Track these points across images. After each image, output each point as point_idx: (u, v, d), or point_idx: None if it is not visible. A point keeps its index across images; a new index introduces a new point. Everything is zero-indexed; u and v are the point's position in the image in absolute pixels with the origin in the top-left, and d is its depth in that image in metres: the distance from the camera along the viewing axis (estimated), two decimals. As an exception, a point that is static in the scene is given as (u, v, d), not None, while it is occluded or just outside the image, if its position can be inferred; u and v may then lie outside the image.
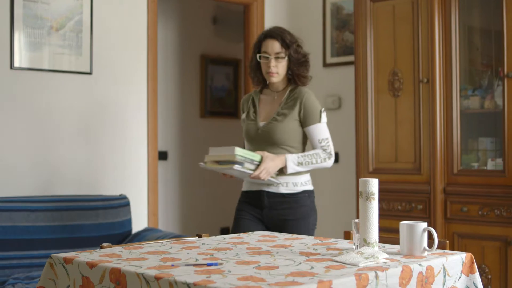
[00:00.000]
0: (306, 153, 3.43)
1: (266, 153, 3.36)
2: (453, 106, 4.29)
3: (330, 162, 3.48)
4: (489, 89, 4.29)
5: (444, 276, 2.19)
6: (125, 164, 4.63)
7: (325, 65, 5.59)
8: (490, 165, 4.22)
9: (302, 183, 3.49)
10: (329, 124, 5.58)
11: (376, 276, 1.95)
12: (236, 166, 3.24)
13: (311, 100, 3.45)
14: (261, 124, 3.48)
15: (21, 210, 3.89)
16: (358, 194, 4.44)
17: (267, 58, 3.43)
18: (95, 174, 4.49)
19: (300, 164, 3.39)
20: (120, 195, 4.36)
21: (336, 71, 5.53)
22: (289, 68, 3.47)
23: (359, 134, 4.68)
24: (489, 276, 4.12)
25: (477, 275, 2.31)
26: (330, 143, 3.48)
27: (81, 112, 4.43)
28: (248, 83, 5.54)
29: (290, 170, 3.38)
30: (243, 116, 3.60)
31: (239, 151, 3.26)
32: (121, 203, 4.27)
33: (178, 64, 6.61)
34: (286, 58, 3.43)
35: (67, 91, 4.37)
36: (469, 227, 4.20)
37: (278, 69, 3.43)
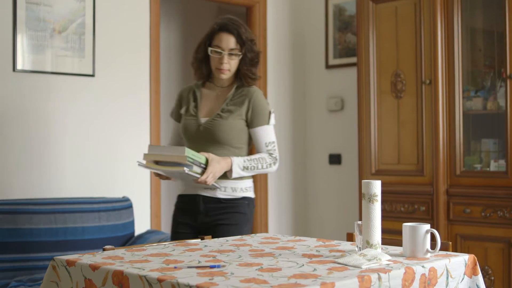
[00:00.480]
0: (252, 157, 3.15)
1: (211, 155, 3.02)
2: (456, 107, 4.29)
3: (275, 167, 3.20)
4: (491, 90, 4.28)
5: (447, 278, 2.19)
6: (128, 166, 4.62)
7: (328, 66, 5.59)
8: (493, 166, 4.21)
9: (242, 189, 3.19)
10: (331, 125, 5.63)
11: (379, 278, 1.95)
12: (186, 169, 2.89)
13: (260, 100, 3.19)
14: (203, 120, 3.16)
15: (24, 213, 3.89)
16: (360, 195, 4.44)
17: (219, 53, 3.13)
18: (97, 176, 4.49)
19: (245, 168, 3.11)
20: (123, 197, 4.36)
21: (338, 73, 5.53)
22: (239, 65, 3.19)
23: (362, 135, 4.68)
24: (492, 278, 4.11)
25: (480, 276, 2.31)
26: (276, 147, 3.21)
27: (84, 114, 4.43)
28: (250, 85, 5.53)
29: (234, 174, 3.10)
30: (182, 110, 3.27)
31: (189, 153, 2.92)
32: (124, 205, 4.27)
33: (180, 65, 6.61)
34: (240, 55, 3.16)
35: (70, 93, 4.37)
36: (472, 228, 4.20)
37: (230, 66, 3.16)
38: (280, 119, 5.63)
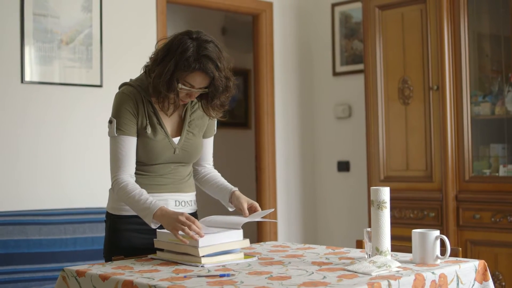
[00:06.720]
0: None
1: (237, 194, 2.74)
2: (464, 112, 4.28)
3: None
4: (499, 95, 4.28)
5: (458, 284, 2.18)
6: (136, 176, 4.63)
7: (335, 74, 5.59)
8: (502, 171, 4.20)
9: (195, 202, 2.89)
10: (339, 132, 5.63)
11: (389, 285, 1.95)
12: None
13: None
14: (175, 141, 2.70)
15: (34, 224, 3.90)
16: (369, 202, 4.44)
17: (189, 90, 2.59)
18: (106, 187, 4.49)
19: None
20: (132, 207, 4.36)
21: (345, 80, 5.53)
22: (206, 102, 2.68)
23: (370, 142, 4.67)
24: (503, 283, 4.10)
25: (490, 282, 2.30)
26: None
27: (92, 125, 4.44)
28: (258, 94, 5.55)
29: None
30: (148, 130, 2.65)
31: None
32: (133, 215, 4.27)
33: (187, 75, 6.62)
34: (207, 91, 2.62)
35: (78, 104, 4.38)
36: (481, 234, 4.19)
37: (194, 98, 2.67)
38: (288, 127, 5.63)
